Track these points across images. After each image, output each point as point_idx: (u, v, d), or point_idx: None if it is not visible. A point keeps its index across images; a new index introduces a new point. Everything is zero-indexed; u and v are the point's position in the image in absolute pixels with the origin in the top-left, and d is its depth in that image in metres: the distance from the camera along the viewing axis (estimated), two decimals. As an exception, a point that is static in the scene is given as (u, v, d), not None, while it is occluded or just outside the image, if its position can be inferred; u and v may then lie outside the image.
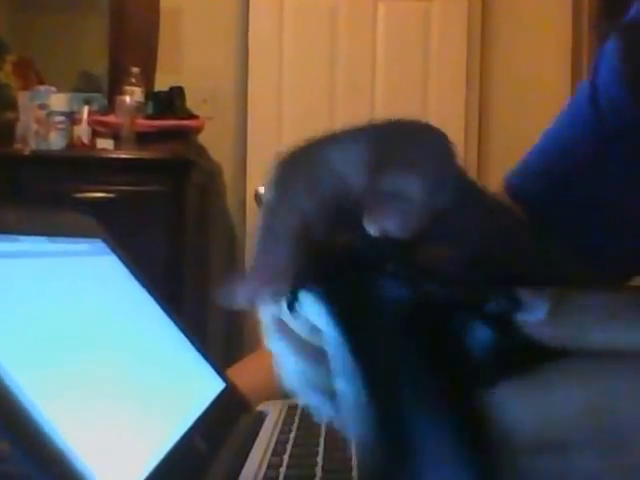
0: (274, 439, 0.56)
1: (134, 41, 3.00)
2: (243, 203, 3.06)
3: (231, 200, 3.11)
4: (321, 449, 0.52)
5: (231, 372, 0.74)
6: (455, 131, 3.06)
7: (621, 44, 0.50)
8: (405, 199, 0.34)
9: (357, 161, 0.35)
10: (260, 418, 0.63)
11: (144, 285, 0.65)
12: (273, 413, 0.64)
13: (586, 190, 0.60)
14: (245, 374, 0.76)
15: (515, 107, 3.09)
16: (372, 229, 0.34)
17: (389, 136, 0.38)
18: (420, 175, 0.36)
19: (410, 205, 0.34)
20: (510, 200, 0.63)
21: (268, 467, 0.50)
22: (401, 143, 0.38)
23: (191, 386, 0.60)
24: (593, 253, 0.59)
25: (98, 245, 0.62)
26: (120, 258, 0.64)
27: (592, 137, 0.60)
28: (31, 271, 0.46)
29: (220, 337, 3.10)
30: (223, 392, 0.63)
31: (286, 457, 0.51)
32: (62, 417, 0.36)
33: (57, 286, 0.49)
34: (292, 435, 0.57)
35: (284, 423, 0.60)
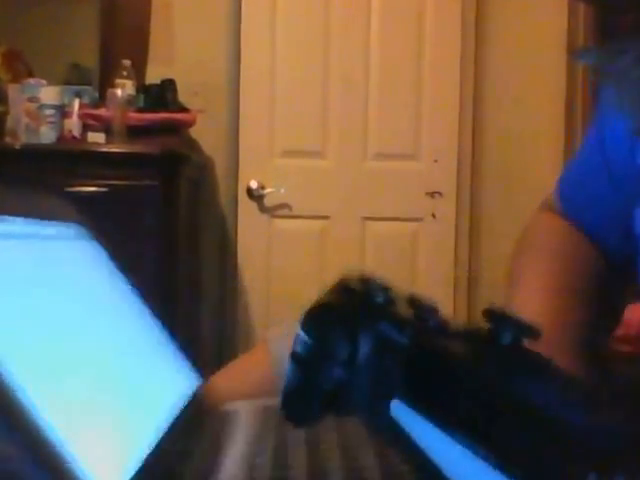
0: (247, 447, 0.52)
1: (125, 33, 2.97)
2: (235, 197, 3.04)
3: (223, 194, 3.09)
4: (300, 457, 0.48)
5: (224, 373, 0.72)
6: (449, 121, 3.04)
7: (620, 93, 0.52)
8: None
9: None
10: (229, 421, 0.59)
11: (119, 276, 0.62)
12: (245, 415, 0.60)
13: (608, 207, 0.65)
14: (239, 375, 0.73)
15: (510, 97, 3.08)
16: None
17: None
18: None
19: None
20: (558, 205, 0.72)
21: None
22: None
23: (160, 388, 0.56)
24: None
25: (73, 230, 0.60)
26: (96, 245, 0.62)
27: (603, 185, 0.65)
28: (3, 252, 0.44)
29: (212, 332, 3.08)
30: (194, 394, 0.60)
31: (261, 461, 0.48)
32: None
33: (30, 269, 0.46)
34: (268, 446, 0.52)
35: (258, 428, 0.56)
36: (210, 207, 3.07)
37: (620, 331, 1.35)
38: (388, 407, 0.31)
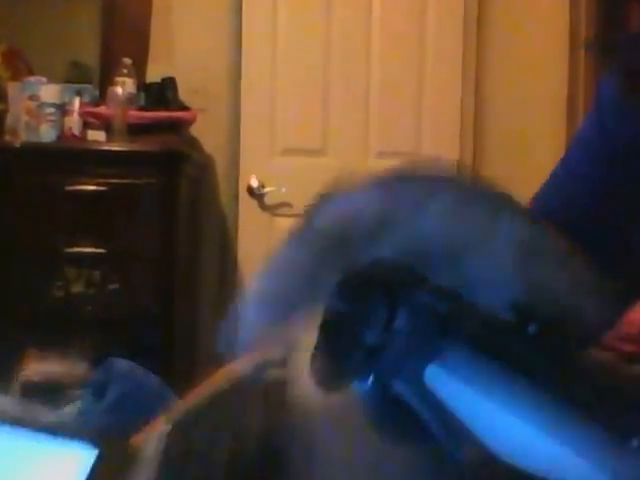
0: None
1: (126, 31, 2.96)
2: (236, 196, 3.02)
3: (224, 193, 3.07)
4: None
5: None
6: (451, 120, 3.03)
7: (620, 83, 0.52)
8: None
9: None
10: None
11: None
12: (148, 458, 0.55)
13: (592, 212, 0.64)
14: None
15: (513, 96, 3.06)
16: None
17: None
18: None
19: None
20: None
21: None
22: None
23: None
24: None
25: None
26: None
27: (597, 159, 0.64)
28: None
29: (211, 331, 3.06)
30: (95, 465, 0.54)
31: None
32: None
33: None
34: None
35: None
36: (210, 205, 3.05)
37: (622, 330, 1.34)
38: (423, 373, 0.30)
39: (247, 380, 0.54)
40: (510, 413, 0.29)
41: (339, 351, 0.32)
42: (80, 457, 0.53)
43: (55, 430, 0.55)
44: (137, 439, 0.62)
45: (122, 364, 1.02)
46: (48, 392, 1.10)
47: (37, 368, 1.66)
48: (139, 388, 0.99)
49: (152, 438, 0.56)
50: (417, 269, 0.33)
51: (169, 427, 0.57)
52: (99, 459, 0.54)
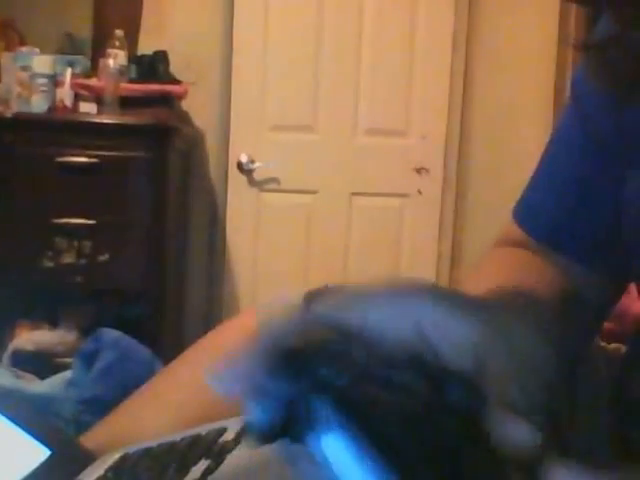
0: None
1: (118, 3, 2.95)
2: (225, 171, 3.04)
3: (213, 168, 3.08)
4: None
5: (204, 344, 0.65)
6: (439, 98, 3.05)
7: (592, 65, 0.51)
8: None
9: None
10: None
11: None
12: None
13: (585, 201, 0.60)
14: (219, 343, 0.64)
15: (502, 76, 3.08)
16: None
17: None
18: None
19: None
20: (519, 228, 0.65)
21: None
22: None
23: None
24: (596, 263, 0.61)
25: None
26: None
27: (583, 158, 0.61)
28: None
29: (199, 303, 3.09)
30: (45, 463, 0.51)
31: None
32: None
33: None
34: None
35: None
36: (200, 180, 3.06)
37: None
38: (320, 445, 0.31)
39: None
40: None
41: (265, 413, 0.32)
42: (30, 454, 0.51)
43: (17, 420, 0.53)
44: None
45: (111, 334, 1.02)
46: (39, 361, 1.08)
47: (28, 337, 1.68)
48: (128, 357, 0.99)
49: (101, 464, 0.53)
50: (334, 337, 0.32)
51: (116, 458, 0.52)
52: (49, 460, 0.51)
